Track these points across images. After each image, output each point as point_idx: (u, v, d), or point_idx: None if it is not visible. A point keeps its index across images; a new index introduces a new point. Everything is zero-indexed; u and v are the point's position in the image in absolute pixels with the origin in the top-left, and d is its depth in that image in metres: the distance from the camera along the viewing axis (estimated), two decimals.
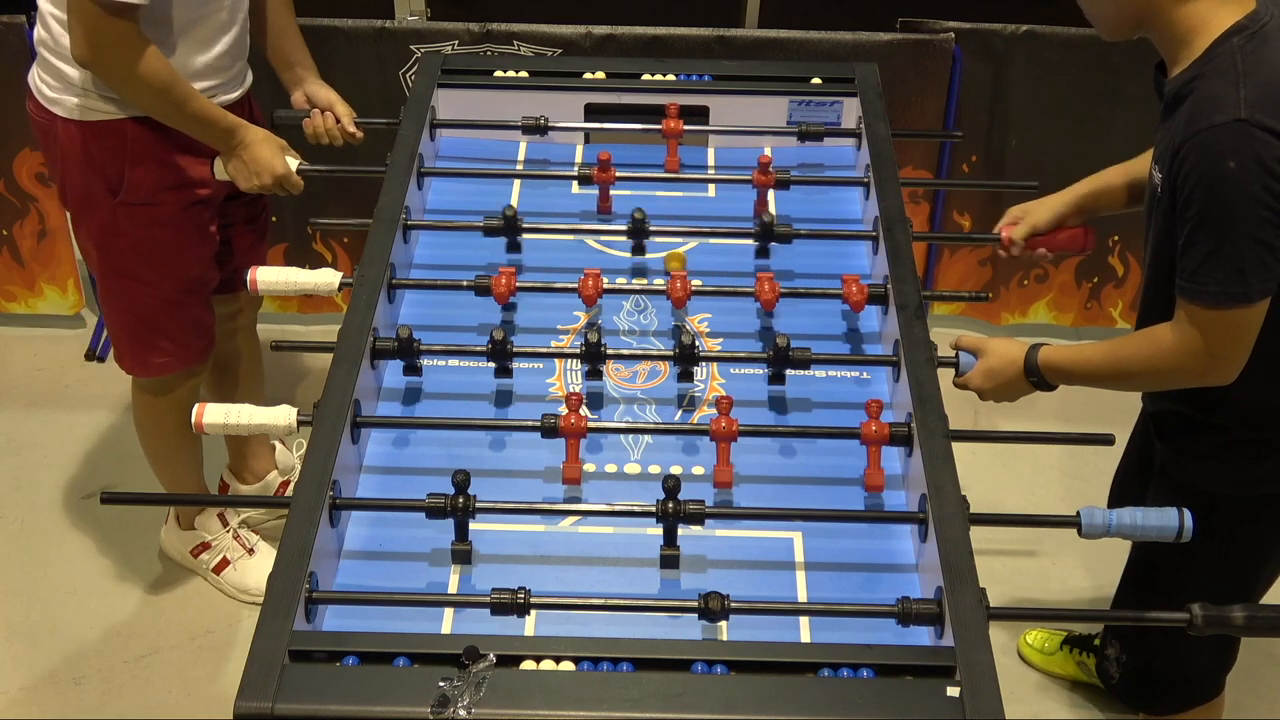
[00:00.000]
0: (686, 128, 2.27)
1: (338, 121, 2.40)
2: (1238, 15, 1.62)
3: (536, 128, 2.27)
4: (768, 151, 2.34)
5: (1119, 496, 2.21)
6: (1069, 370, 1.82)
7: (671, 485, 1.61)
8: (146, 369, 2.46)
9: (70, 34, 2.06)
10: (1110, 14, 1.71)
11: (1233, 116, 1.55)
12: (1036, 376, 1.83)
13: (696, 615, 1.51)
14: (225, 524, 2.76)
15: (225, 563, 2.74)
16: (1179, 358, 1.68)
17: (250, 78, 2.37)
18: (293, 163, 2.28)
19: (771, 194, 2.23)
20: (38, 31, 2.22)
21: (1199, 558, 1.71)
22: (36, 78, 2.25)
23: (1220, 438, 1.85)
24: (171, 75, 2.12)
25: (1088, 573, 2.83)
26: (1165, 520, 1.58)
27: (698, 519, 1.61)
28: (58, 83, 2.20)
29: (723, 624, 1.56)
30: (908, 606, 1.50)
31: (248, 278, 1.94)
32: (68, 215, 2.63)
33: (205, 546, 2.75)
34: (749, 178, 2.16)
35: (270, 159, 2.25)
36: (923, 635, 1.54)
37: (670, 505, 1.60)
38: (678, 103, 2.29)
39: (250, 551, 2.76)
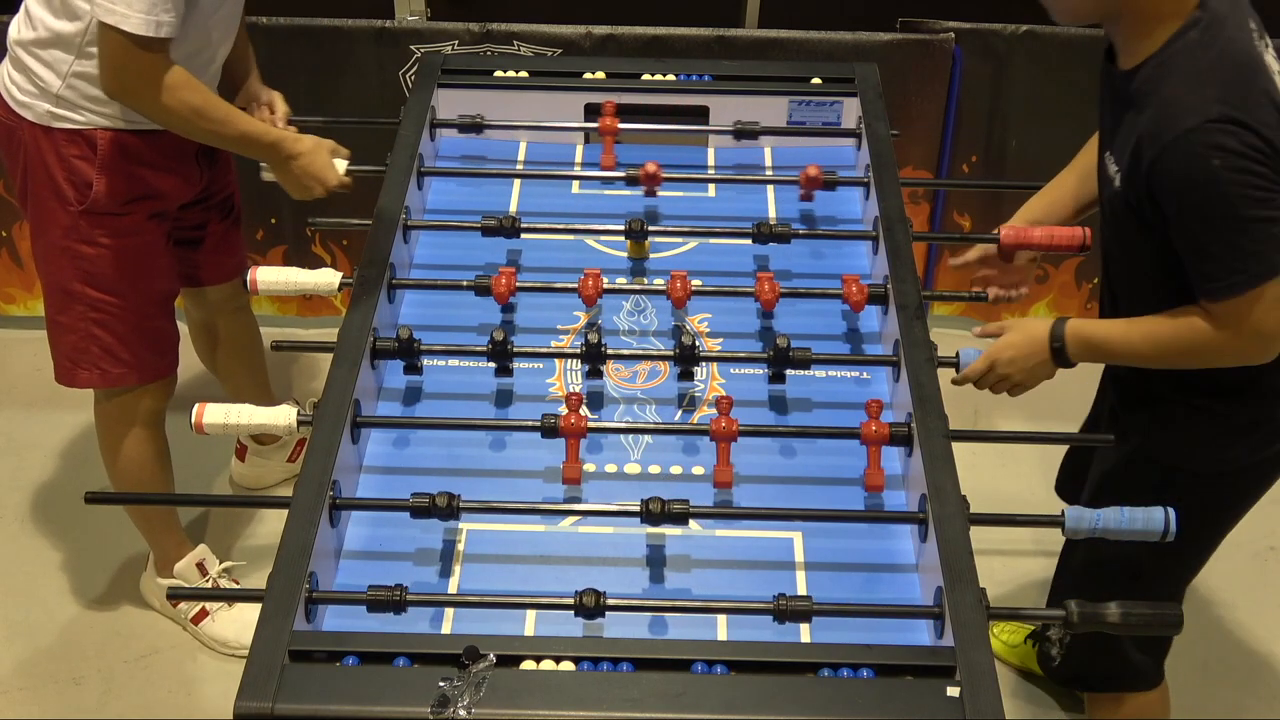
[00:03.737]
0: (686, 128, 2.28)
1: (272, 114, 2.36)
2: (1193, 6, 1.63)
3: (473, 125, 2.28)
4: (767, 153, 2.35)
5: (1071, 465, 2.27)
6: (1098, 343, 1.82)
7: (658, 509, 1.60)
8: (105, 379, 2.38)
9: (100, 66, 2.02)
10: None
11: (1203, 119, 1.58)
12: (1060, 344, 1.83)
13: (693, 614, 1.52)
14: (204, 573, 2.64)
15: (204, 614, 2.64)
16: (1222, 342, 1.70)
17: None
18: (341, 165, 2.23)
19: (771, 193, 2.23)
20: (17, 30, 2.16)
21: None
22: (6, 78, 2.19)
23: (1200, 416, 1.87)
24: (204, 100, 2.08)
25: None
26: (1151, 523, 1.58)
27: (682, 519, 1.61)
28: (32, 86, 2.15)
29: (722, 624, 1.57)
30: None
31: (247, 278, 1.94)
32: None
33: None
34: (751, 178, 2.17)
35: (322, 171, 2.20)
36: (923, 635, 1.54)
37: (657, 505, 1.59)
38: (680, 102, 2.30)
39: (229, 603, 2.64)
